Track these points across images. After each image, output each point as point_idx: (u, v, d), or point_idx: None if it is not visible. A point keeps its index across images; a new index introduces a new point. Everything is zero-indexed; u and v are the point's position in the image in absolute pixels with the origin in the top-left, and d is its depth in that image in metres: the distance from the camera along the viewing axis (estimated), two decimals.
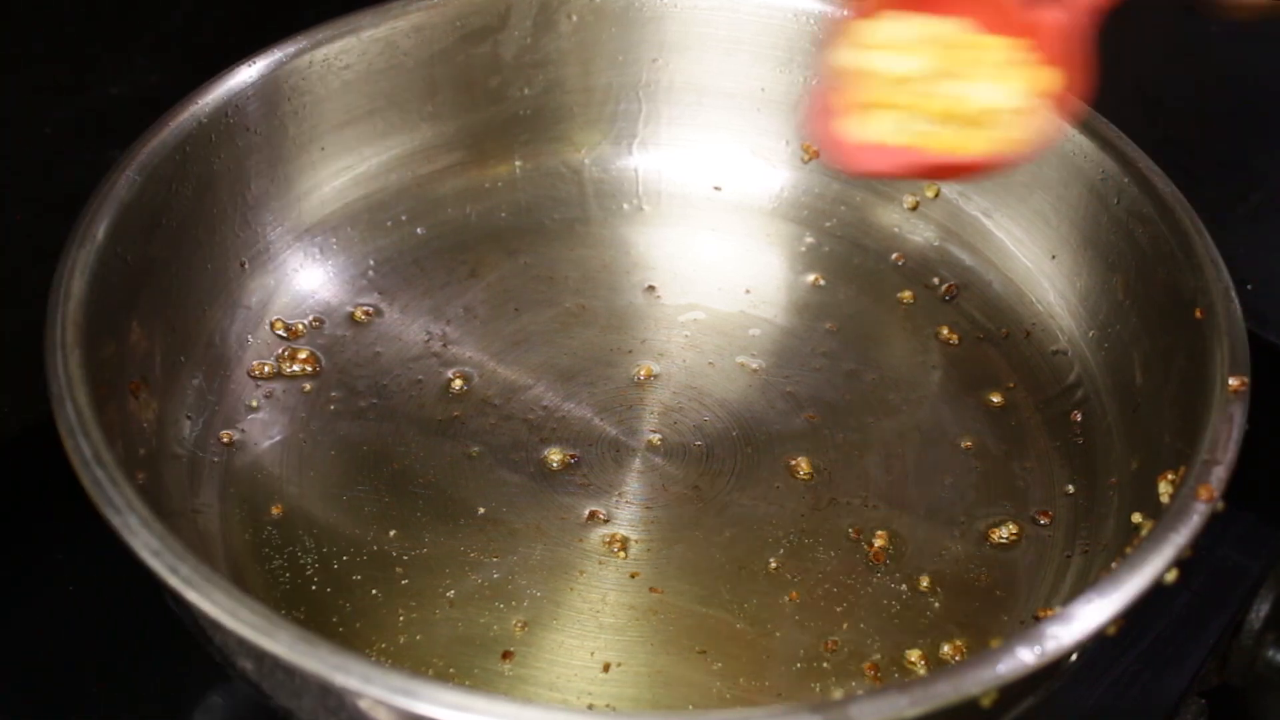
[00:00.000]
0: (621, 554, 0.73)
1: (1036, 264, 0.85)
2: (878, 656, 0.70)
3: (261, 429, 0.78)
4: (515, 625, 0.70)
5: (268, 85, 0.82)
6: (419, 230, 0.89)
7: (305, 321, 0.84)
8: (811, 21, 0.88)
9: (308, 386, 0.81)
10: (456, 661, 0.69)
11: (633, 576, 0.73)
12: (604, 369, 0.83)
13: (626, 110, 0.92)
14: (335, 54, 0.84)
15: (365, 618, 0.70)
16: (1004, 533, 0.75)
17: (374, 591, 0.71)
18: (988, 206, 0.87)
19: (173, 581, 0.58)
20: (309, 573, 0.72)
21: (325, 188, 0.86)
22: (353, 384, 0.81)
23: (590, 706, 0.67)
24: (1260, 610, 0.81)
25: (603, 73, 0.91)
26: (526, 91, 0.90)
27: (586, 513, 0.75)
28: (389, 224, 0.88)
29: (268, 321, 0.83)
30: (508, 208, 0.91)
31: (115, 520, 0.60)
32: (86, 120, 0.85)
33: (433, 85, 0.88)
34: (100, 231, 0.72)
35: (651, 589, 0.72)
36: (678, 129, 0.92)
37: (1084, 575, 0.72)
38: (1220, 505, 0.63)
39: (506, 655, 0.69)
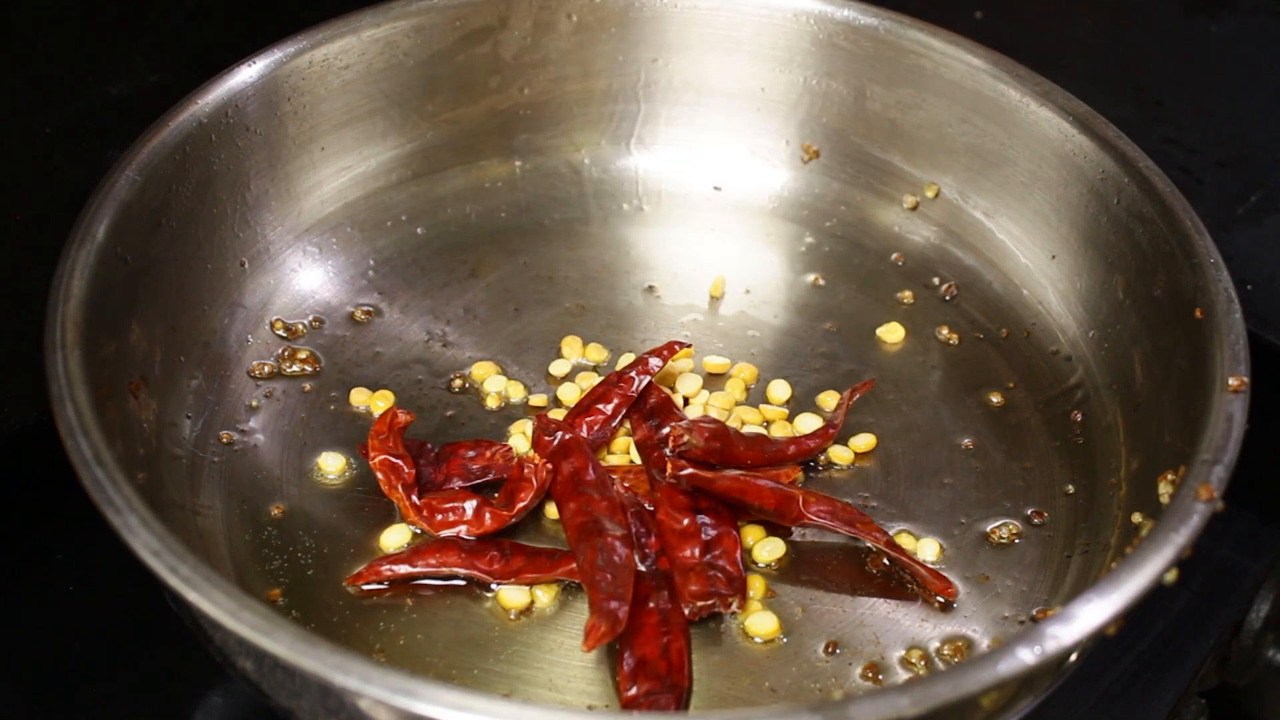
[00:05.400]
0: None
1: (1036, 264, 0.85)
2: (878, 657, 0.70)
3: (261, 429, 0.78)
4: (515, 625, 0.70)
5: (268, 85, 0.82)
6: (419, 230, 0.89)
7: (305, 321, 0.84)
8: (811, 21, 0.88)
9: (308, 386, 0.81)
10: (456, 661, 0.69)
11: None
12: (604, 370, 0.83)
13: (626, 110, 0.92)
14: (335, 54, 0.84)
15: (365, 618, 0.70)
16: (1004, 533, 0.75)
17: (374, 592, 0.71)
18: (988, 207, 0.87)
19: (173, 581, 0.58)
20: (309, 573, 0.72)
21: (325, 188, 0.86)
22: (353, 384, 0.81)
23: (590, 706, 0.68)
24: (1260, 610, 0.81)
25: (603, 73, 0.91)
26: (526, 92, 0.90)
27: None
28: (389, 224, 0.88)
29: (268, 321, 0.83)
30: (508, 208, 0.91)
31: (115, 520, 0.60)
32: (86, 120, 0.85)
33: (433, 85, 0.88)
34: (100, 231, 0.72)
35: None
36: (677, 129, 0.92)
37: (1084, 575, 0.72)
38: (1220, 505, 0.63)
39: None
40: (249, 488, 0.76)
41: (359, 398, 0.80)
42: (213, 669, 0.67)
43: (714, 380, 0.82)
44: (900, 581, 0.73)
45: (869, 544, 0.73)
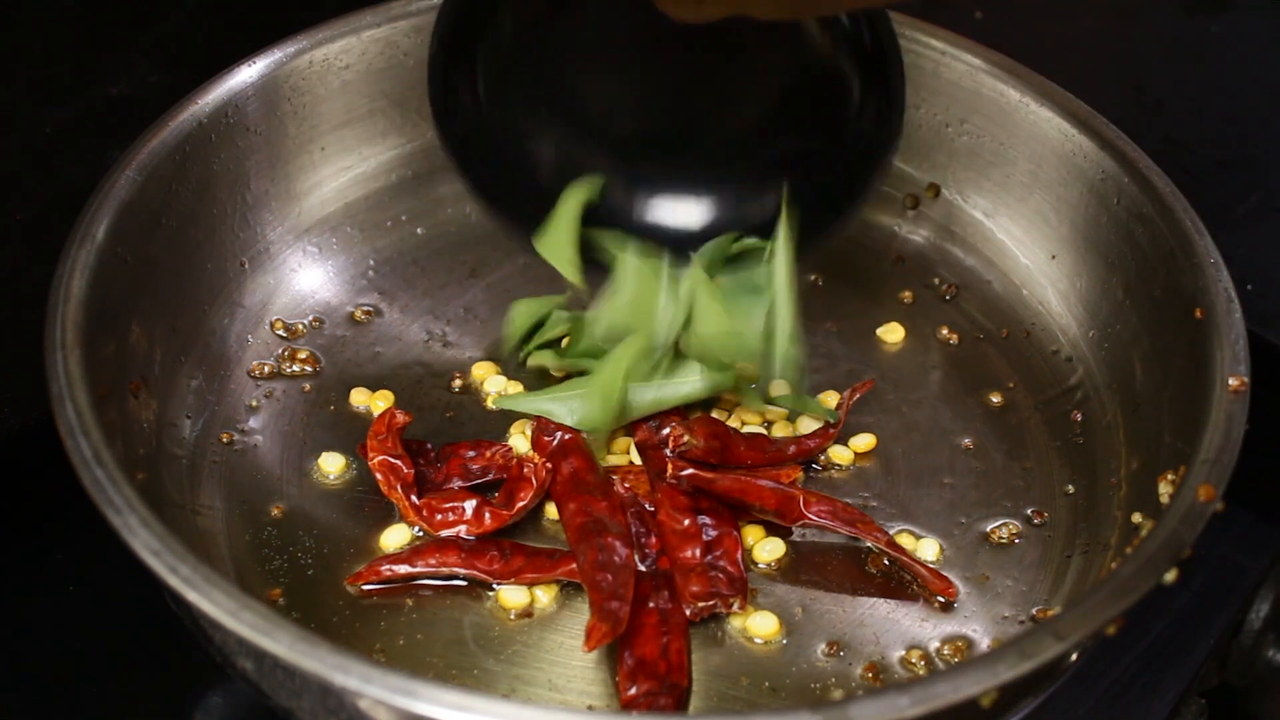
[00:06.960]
0: None
1: (1036, 264, 0.85)
2: (878, 657, 0.70)
3: (261, 429, 0.78)
4: (515, 625, 0.70)
5: (268, 85, 0.82)
6: (419, 230, 0.89)
7: (305, 321, 0.84)
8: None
9: (308, 386, 0.81)
10: (456, 661, 0.69)
11: None
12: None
13: None
14: (335, 54, 0.84)
15: (365, 618, 0.70)
16: (1004, 533, 0.75)
17: (374, 592, 0.71)
18: (988, 207, 0.87)
19: (173, 581, 0.58)
20: (309, 573, 0.72)
21: (325, 188, 0.86)
22: (353, 384, 0.81)
23: (590, 707, 0.68)
24: (1260, 610, 0.81)
25: None
26: None
27: None
28: (389, 224, 0.88)
29: (268, 321, 0.83)
30: None
31: (115, 520, 0.60)
32: (86, 120, 0.85)
33: None
34: (100, 231, 0.72)
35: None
36: None
37: (1084, 575, 0.72)
38: (1220, 505, 0.63)
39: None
40: (249, 488, 0.76)
41: (359, 398, 0.80)
42: (213, 669, 0.67)
43: None
44: (900, 581, 0.73)
45: (869, 544, 0.73)
